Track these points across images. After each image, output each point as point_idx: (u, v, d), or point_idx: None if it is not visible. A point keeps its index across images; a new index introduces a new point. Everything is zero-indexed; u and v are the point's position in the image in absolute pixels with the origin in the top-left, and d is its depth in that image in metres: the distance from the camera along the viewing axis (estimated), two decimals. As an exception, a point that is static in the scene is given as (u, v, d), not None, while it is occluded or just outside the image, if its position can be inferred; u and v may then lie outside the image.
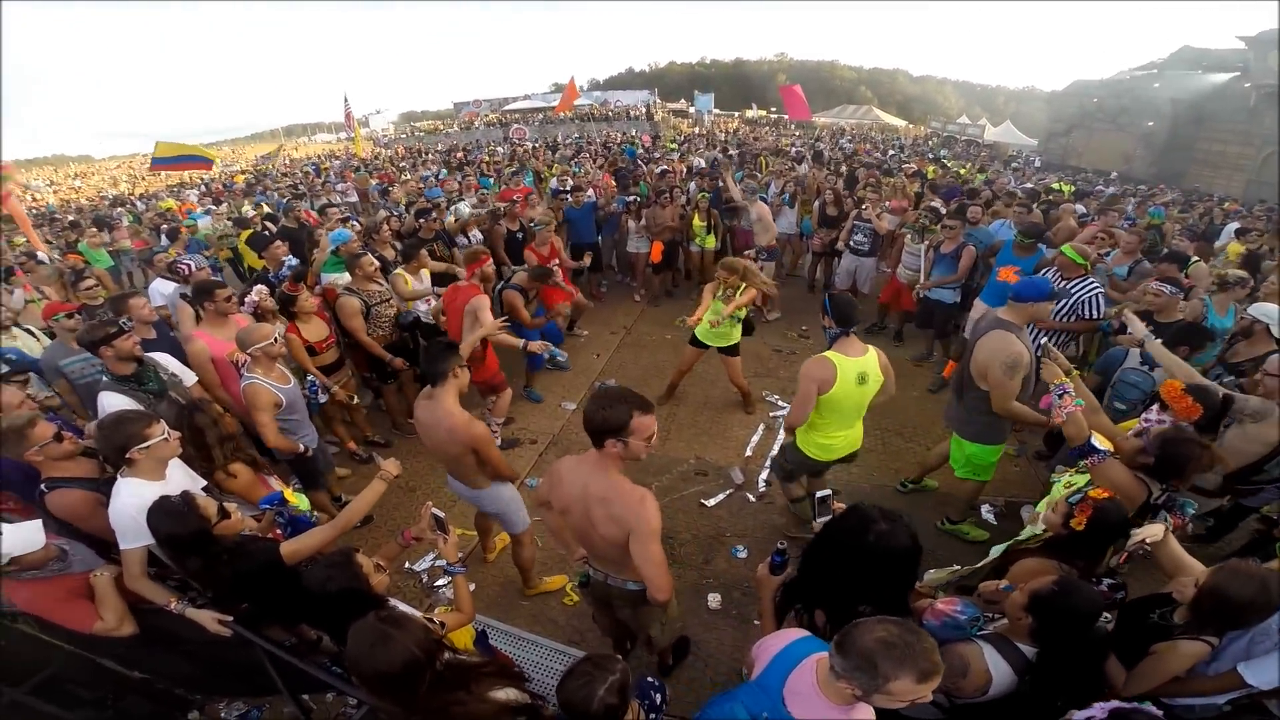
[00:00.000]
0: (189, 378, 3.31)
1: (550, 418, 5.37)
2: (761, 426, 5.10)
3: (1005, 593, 2.08)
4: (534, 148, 18.62)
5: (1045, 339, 4.38)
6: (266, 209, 9.06)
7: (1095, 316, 4.30)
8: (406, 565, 3.72)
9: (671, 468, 4.60)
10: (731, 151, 14.39)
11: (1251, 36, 21.90)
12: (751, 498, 4.32)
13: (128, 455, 2.22)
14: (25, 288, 5.11)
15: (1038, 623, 1.85)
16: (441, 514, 2.27)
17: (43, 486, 2.38)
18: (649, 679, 1.89)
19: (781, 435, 4.83)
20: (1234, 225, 9.19)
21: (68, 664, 2.40)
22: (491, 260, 4.81)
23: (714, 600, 3.45)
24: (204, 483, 2.63)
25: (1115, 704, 1.54)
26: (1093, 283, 4.33)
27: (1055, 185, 12.05)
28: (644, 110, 35.95)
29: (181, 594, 2.14)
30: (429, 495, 4.16)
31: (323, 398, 3.57)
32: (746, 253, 6.42)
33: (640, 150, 16.98)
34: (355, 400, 4.21)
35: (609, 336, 6.95)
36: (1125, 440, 2.64)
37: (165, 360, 3.28)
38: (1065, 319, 4.34)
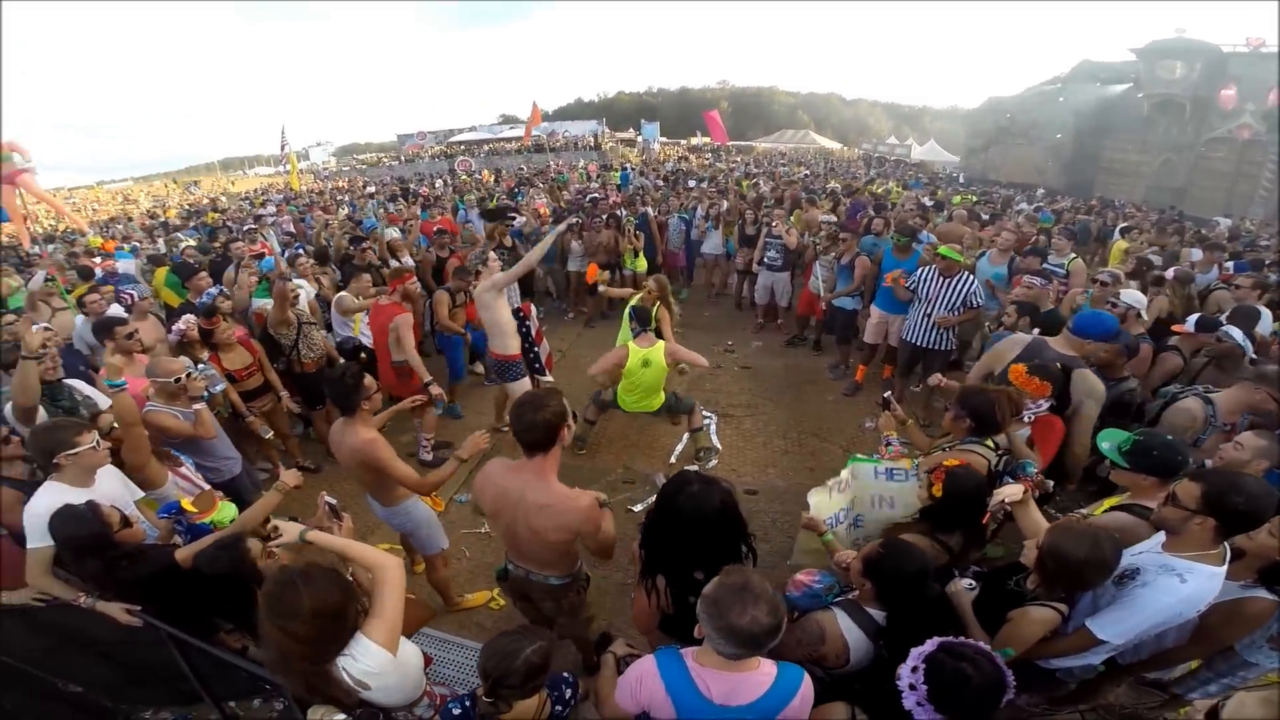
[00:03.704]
0: (103, 401, 3.34)
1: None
2: (686, 435, 5.24)
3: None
4: (477, 178, 18.78)
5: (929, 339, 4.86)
6: (192, 242, 8.97)
7: (978, 305, 4.80)
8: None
9: (600, 477, 4.78)
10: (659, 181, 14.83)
11: (1141, 48, 22.86)
12: (676, 500, 4.52)
13: (55, 460, 2.33)
14: None
15: (875, 586, 1.98)
16: (334, 501, 2.39)
17: None
18: (564, 674, 1.91)
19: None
20: (1121, 225, 10.18)
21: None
22: (415, 278, 4.97)
23: (640, 601, 3.62)
24: (140, 494, 2.72)
25: (942, 638, 1.60)
26: (971, 278, 4.80)
27: (956, 199, 13.20)
28: (593, 140, 36.55)
29: (91, 591, 2.21)
30: (358, 514, 4.23)
31: (218, 388, 3.74)
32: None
33: (590, 179, 17.31)
34: (269, 434, 4.27)
35: (546, 358, 7.11)
36: (947, 418, 2.91)
37: (78, 385, 3.37)
38: (956, 312, 4.75)
